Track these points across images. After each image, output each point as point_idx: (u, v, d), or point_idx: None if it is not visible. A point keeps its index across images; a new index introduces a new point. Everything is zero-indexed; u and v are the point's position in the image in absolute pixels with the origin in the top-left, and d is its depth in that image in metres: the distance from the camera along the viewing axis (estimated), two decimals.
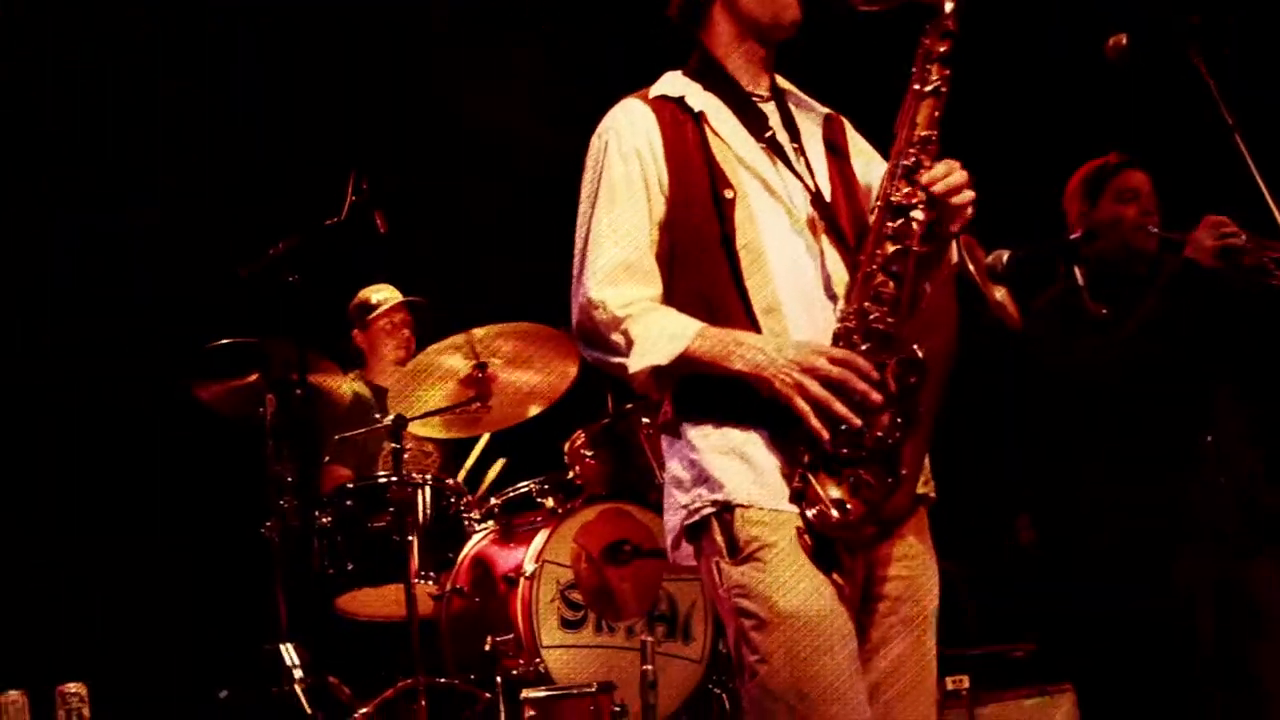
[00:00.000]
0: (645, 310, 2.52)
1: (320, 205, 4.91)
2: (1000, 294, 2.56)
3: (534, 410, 5.11)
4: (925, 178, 2.48)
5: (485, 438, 5.37)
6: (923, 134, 2.53)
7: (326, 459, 5.40)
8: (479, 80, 5.97)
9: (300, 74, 5.90)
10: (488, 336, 4.88)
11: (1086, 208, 3.99)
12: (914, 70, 2.57)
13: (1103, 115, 5.40)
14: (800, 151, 2.67)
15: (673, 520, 2.58)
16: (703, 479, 2.50)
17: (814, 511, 2.42)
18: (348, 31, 5.90)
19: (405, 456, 4.79)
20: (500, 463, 5.37)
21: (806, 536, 2.44)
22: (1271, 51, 4.76)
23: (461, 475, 5.31)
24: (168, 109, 5.75)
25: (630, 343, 2.50)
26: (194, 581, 5.64)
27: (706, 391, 2.51)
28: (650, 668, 4.09)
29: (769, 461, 2.48)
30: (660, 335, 2.49)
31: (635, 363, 2.49)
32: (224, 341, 4.84)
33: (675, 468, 2.57)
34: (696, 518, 2.51)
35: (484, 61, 6.00)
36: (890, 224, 2.50)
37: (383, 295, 5.70)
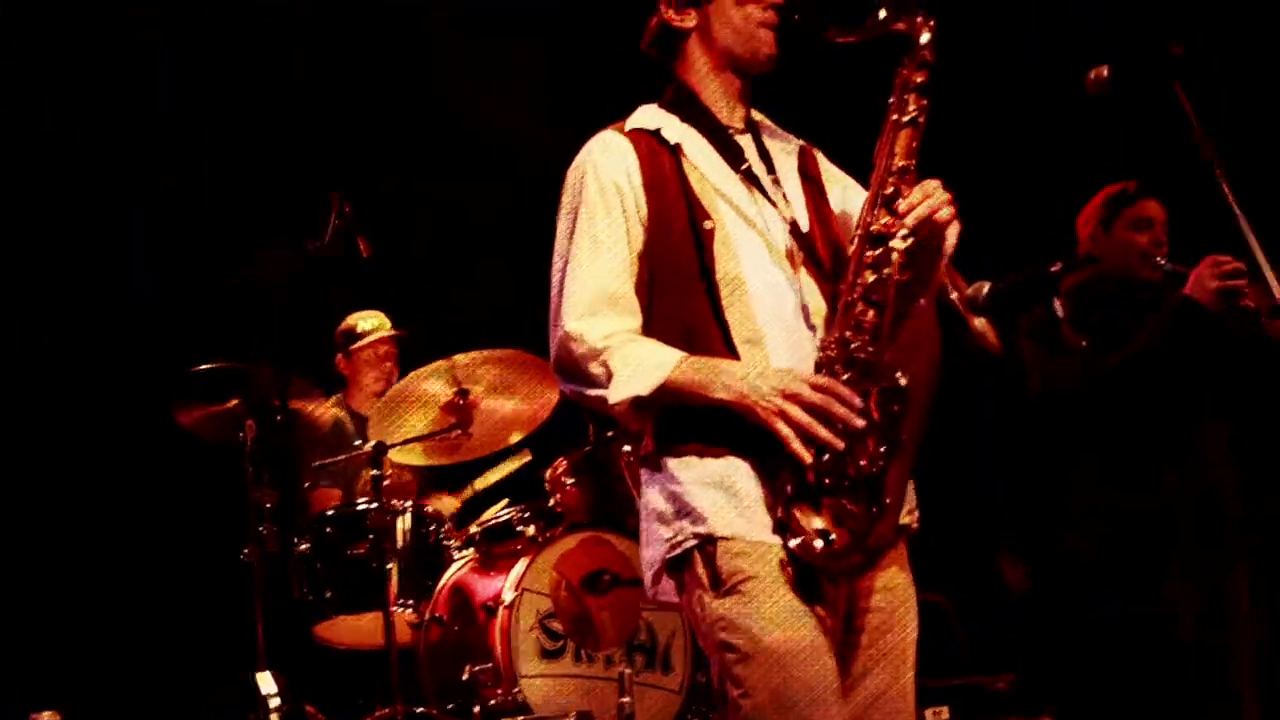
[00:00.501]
0: (625, 341, 2.51)
1: (305, 228, 4.90)
2: (980, 323, 2.55)
3: (515, 438, 5.11)
4: (903, 205, 2.48)
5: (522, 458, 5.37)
6: (901, 163, 2.53)
7: (307, 485, 5.37)
8: (474, 87, 5.98)
9: (283, 98, 5.90)
10: (470, 363, 4.87)
11: (1100, 231, 4.04)
12: (892, 100, 2.57)
13: (1084, 145, 5.44)
14: (777, 183, 2.67)
15: (653, 554, 2.55)
16: (685, 511, 2.48)
17: (797, 542, 2.41)
18: (326, 53, 5.90)
19: (385, 483, 4.77)
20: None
21: (790, 568, 2.42)
22: (1251, 82, 4.79)
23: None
24: (156, 124, 5.75)
25: (610, 374, 2.48)
26: (171, 608, 5.60)
27: (687, 423, 2.49)
28: (628, 700, 4.07)
29: (752, 493, 2.46)
30: (641, 366, 2.47)
31: (616, 394, 2.47)
32: (205, 366, 4.82)
33: (656, 500, 2.54)
34: (679, 551, 2.49)
35: (481, 65, 6.01)
36: (870, 253, 2.50)
37: (370, 324, 5.67)
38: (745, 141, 2.70)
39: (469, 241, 6.09)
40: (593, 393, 2.52)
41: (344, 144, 5.93)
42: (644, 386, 2.45)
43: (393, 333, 5.66)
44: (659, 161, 2.61)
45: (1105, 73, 3.13)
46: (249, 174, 5.81)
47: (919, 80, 2.56)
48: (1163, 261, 3.93)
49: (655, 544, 2.54)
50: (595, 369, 2.50)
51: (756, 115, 2.78)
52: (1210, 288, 3.72)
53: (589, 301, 2.53)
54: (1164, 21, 4.70)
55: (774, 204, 2.63)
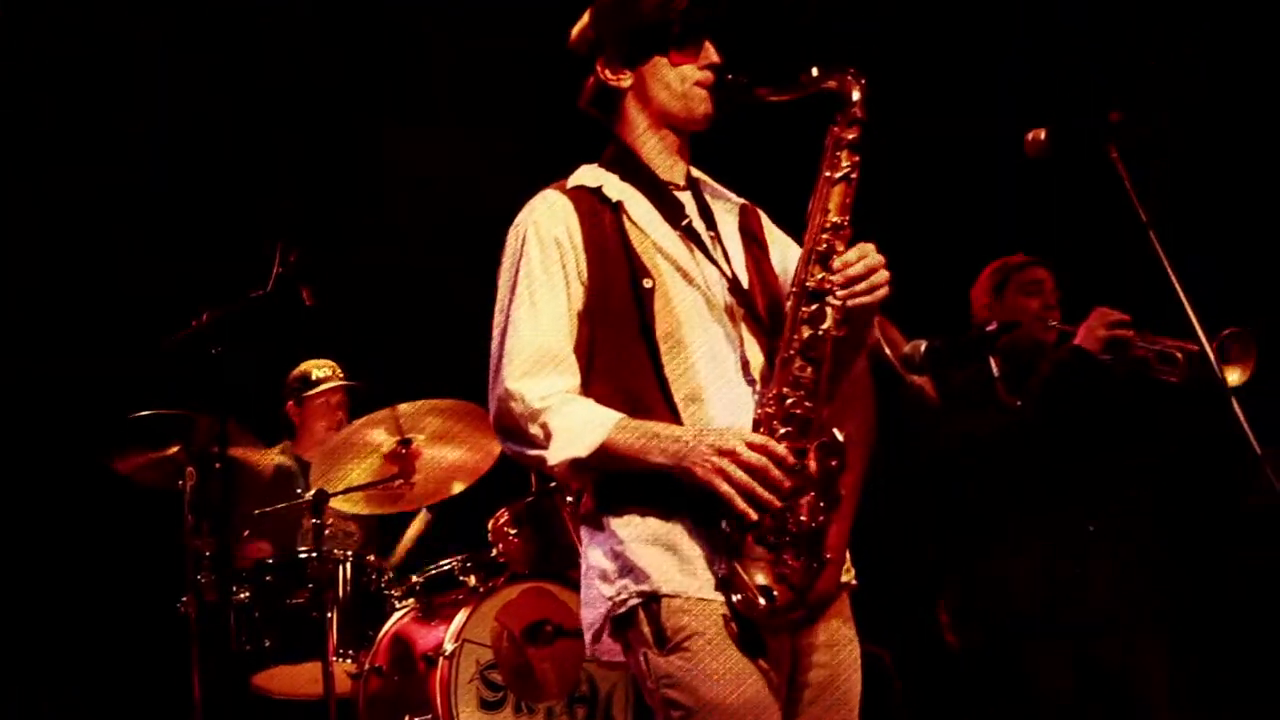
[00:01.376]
0: (564, 402, 2.51)
1: (247, 277, 4.88)
2: (919, 380, 2.59)
3: (458, 487, 5.09)
4: (838, 263, 2.51)
5: (421, 518, 5.35)
6: (835, 220, 2.56)
7: (246, 534, 5.33)
8: (416, 137, 5.99)
9: (223, 144, 5.89)
10: (413, 412, 4.87)
11: (993, 299, 4.16)
12: (824, 157, 2.61)
13: (1022, 208, 5.54)
14: (716, 239, 2.70)
15: (595, 613, 2.55)
16: (628, 570, 2.48)
17: (739, 598, 2.42)
18: (272, 101, 5.90)
19: (326, 532, 4.75)
20: (423, 517, 5.34)
21: (733, 624, 2.43)
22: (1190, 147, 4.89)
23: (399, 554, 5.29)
24: (97, 174, 5.72)
25: (549, 435, 2.49)
26: (107, 658, 5.52)
27: (628, 481, 2.50)
28: None
29: (694, 550, 2.47)
30: (579, 428, 2.47)
31: (554, 455, 2.48)
32: (146, 413, 4.78)
33: (598, 559, 2.54)
34: (623, 609, 2.49)
35: (426, 115, 6.03)
36: (806, 309, 2.52)
37: (324, 373, 5.65)
38: (685, 198, 2.72)
39: (413, 291, 6.09)
40: (532, 453, 2.52)
41: (288, 193, 5.91)
42: (582, 449, 2.46)
43: (346, 383, 5.65)
44: (600, 219, 2.63)
45: (1043, 135, 3.18)
46: (193, 222, 5.78)
47: (851, 137, 2.59)
48: (1055, 322, 4.05)
49: (597, 603, 2.54)
50: (534, 430, 2.51)
51: (697, 173, 2.80)
52: (1099, 336, 3.82)
53: (528, 361, 2.53)
54: (1103, 89, 4.81)
55: (714, 261, 2.65)
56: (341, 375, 5.67)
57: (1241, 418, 2.65)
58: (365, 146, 6.05)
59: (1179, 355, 3.73)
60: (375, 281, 6.08)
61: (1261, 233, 5.42)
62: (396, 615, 4.81)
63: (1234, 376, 3.64)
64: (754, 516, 2.40)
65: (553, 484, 4.77)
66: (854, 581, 2.64)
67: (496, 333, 2.60)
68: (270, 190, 5.93)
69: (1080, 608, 3.91)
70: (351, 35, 5.93)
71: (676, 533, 2.48)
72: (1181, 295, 2.78)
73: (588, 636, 2.59)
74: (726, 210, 2.78)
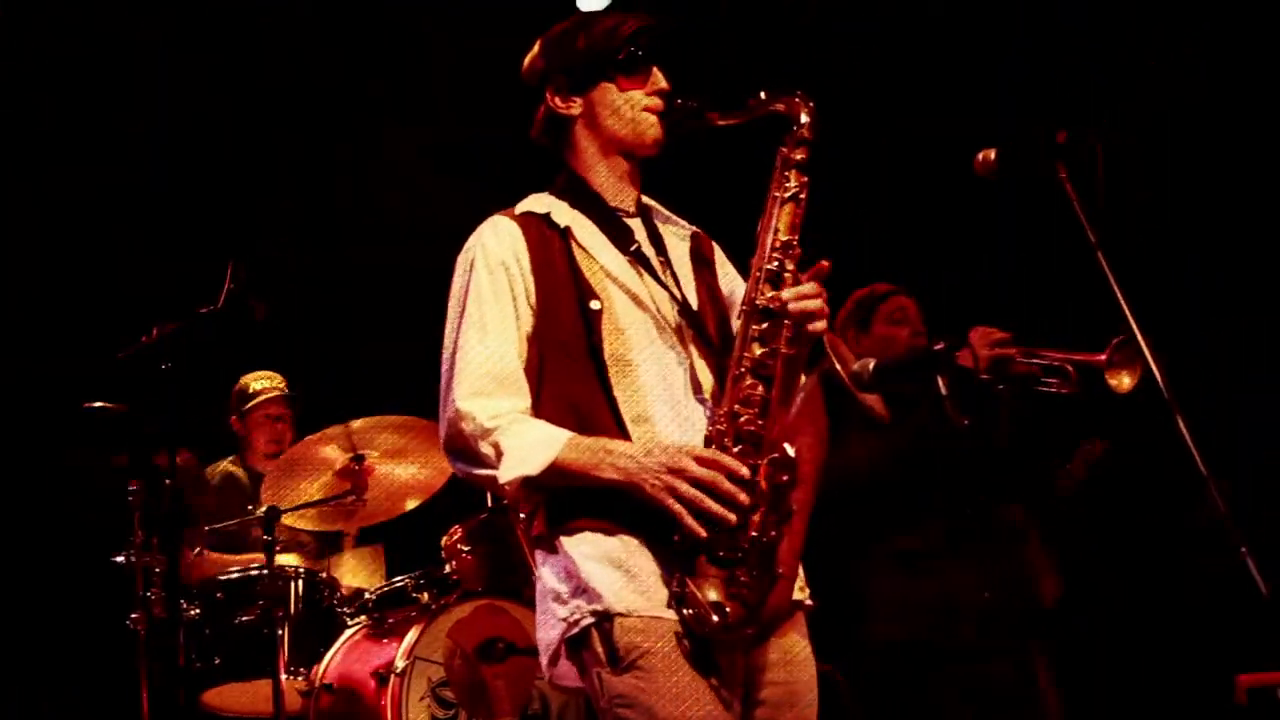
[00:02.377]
0: (514, 421, 2.52)
1: (199, 291, 4.86)
2: (870, 397, 2.60)
3: (411, 504, 5.09)
4: (787, 293, 2.53)
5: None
6: (784, 239, 2.59)
7: (197, 550, 5.29)
8: (362, 163, 5.99)
9: (178, 157, 5.87)
10: (366, 428, 4.86)
11: (859, 332, 4.23)
12: (773, 177, 2.64)
13: (972, 228, 5.60)
14: (666, 263, 2.72)
15: (550, 635, 2.55)
16: (581, 589, 2.49)
17: (691, 614, 2.42)
18: (224, 117, 5.89)
19: (278, 548, 4.72)
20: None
21: (686, 641, 2.44)
22: (1136, 169, 4.95)
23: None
24: (50, 190, 5.68)
25: (500, 454, 2.50)
26: (56, 675, 5.47)
27: (579, 501, 2.51)
28: None
29: (646, 567, 2.48)
30: (530, 446, 2.48)
31: (506, 474, 2.48)
32: (97, 405, 4.74)
33: (551, 580, 2.55)
34: (576, 630, 2.49)
35: (377, 136, 6.02)
36: (756, 327, 2.54)
37: (261, 385, 5.64)
38: (635, 224, 2.75)
39: (369, 306, 6.08)
40: (482, 472, 2.53)
41: (241, 208, 5.90)
42: (533, 467, 2.47)
43: (280, 392, 5.62)
44: (548, 244, 2.65)
45: (993, 155, 3.21)
46: (144, 238, 5.76)
47: (799, 158, 2.63)
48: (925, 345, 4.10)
49: (552, 625, 2.54)
50: (484, 449, 2.51)
51: (648, 200, 2.83)
52: (982, 355, 3.84)
53: (478, 381, 2.54)
54: (1050, 111, 4.86)
55: (663, 284, 2.67)
56: (281, 387, 5.64)
57: (1187, 436, 2.66)
58: (319, 160, 6.04)
59: (1069, 368, 3.76)
60: (331, 296, 6.07)
61: (1261, 231, 5.50)
62: (348, 632, 4.79)
63: (1124, 383, 3.67)
64: (703, 534, 2.41)
65: (506, 501, 4.76)
66: (809, 601, 2.66)
67: (446, 355, 2.61)
68: (225, 205, 5.91)
69: (965, 630, 3.92)
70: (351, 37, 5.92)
71: (629, 550, 2.48)
72: (1128, 315, 2.80)
73: (544, 660, 2.58)
74: (677, 236, 2.81)
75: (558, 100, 2.75)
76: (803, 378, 2.58)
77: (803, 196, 2.61)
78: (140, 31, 5.61)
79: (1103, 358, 3.57)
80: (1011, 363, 3.83)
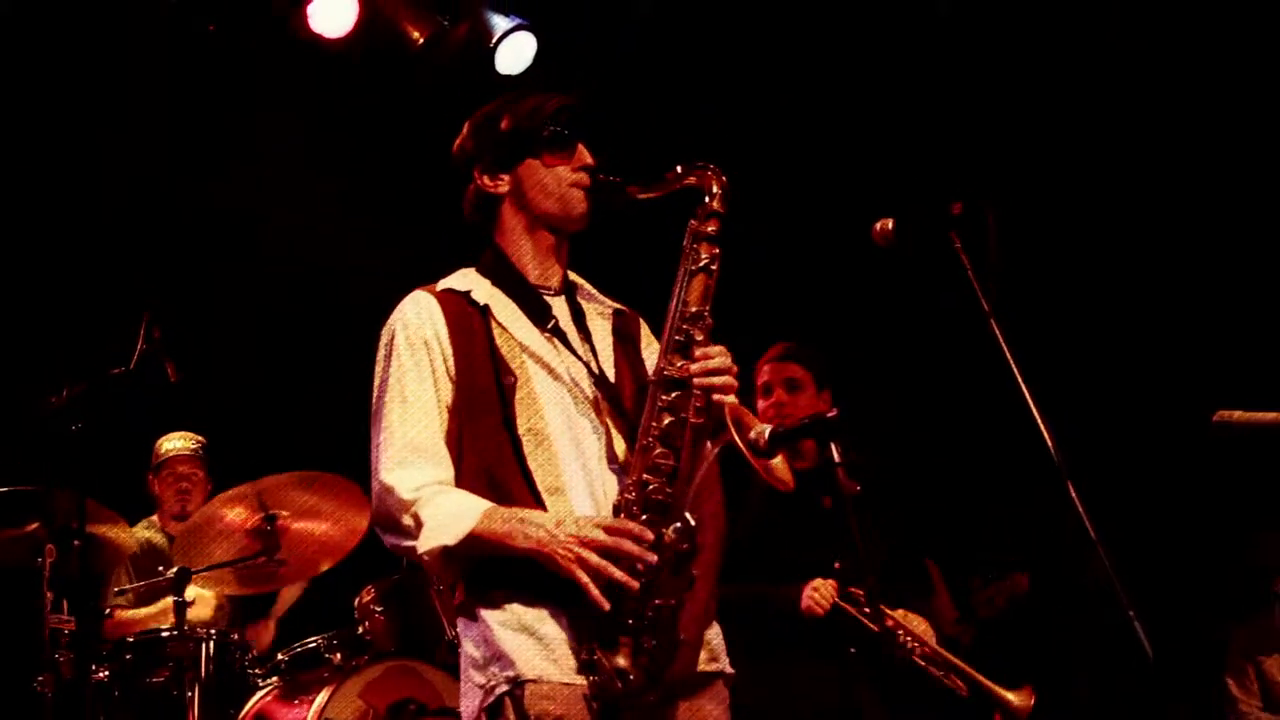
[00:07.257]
0: (435, 493, 2.59)
1: (111, 352, 4.84)
2: (775, 462, 2.67)
3: (325, 565, 5.04)
4: (698, 353, 2.61)
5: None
6: (694, 310, 2.67)
7: (108, 611, 5.23)
8: (276, 214, 5.98)
9: (87, 218, 5.83)
10: (276, 486, 4.82)
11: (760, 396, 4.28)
12: (684, 250, 2.72)
13: (869, 295, 5.72)
14: (586, 339, 2.79)
15: (471, 705, 2.60)
16: (496, 657, 2.55)
17: (597, 680, 2.48)
18: (138, 171, 5.86)
19: (188, 610, 4.69)
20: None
21: (594, 705, 2.49)
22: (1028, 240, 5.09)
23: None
24: None
25: (420, 524, 2.57)
26: None
27: (495, 570, 2.57)
28: None
29: (557, 635, 2.54)
30: (448, 517, 2.56)
31: (424, 544, 2.55)
32: (3, 490, 4.69)
33: (470, 648, 2.61)
34: (493, 698, 2.54)
35: (296, 194, 6.02)
36: (665, 397, 2.62)
37: (171, 445, 5.58)
38: (558, 301, 2.83)
39: (283, 366, 6.06)
40: (405, 543, 2.60)
41: (154, 268, 5.87)
42: (451, 537, 2.54)
43: (189, 451, 5.56)
44: (467, 320, 2.73)
45: (890, 225, 3.30)
46: (35, 319, 5.70)
47: (710, 230, 2.71)
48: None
49: (473, 694, 2.59)
50: (406, 520, 2.59)
51: (575, 277, 2.90)
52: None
53: (400, 452, 2.62)
54: (946, 183, 4.99)
55: (581, 358, 2.74)
56: (190, 446, 5.58)
57: (1077, 501, 2.75)
58: (237, 217, 6.03)
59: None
60: (244, 356, 6.05)
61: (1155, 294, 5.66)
62: (259, 694, 4.75)
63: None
64: (606, 606, 2.47)
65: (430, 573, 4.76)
66: (728, 669, 2.71)
67: (373, 431, 2.69)
68: (136, 265, 5.88)
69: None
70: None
71: (542, 618, 2.55)
72: (1021, 383, 2.89)
73: None
74: (600, 314, 2.88)
75: (486, 179, 2.83)
76: (708, 445, 2.65)
77: (714, 268, 2.70)
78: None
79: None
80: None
